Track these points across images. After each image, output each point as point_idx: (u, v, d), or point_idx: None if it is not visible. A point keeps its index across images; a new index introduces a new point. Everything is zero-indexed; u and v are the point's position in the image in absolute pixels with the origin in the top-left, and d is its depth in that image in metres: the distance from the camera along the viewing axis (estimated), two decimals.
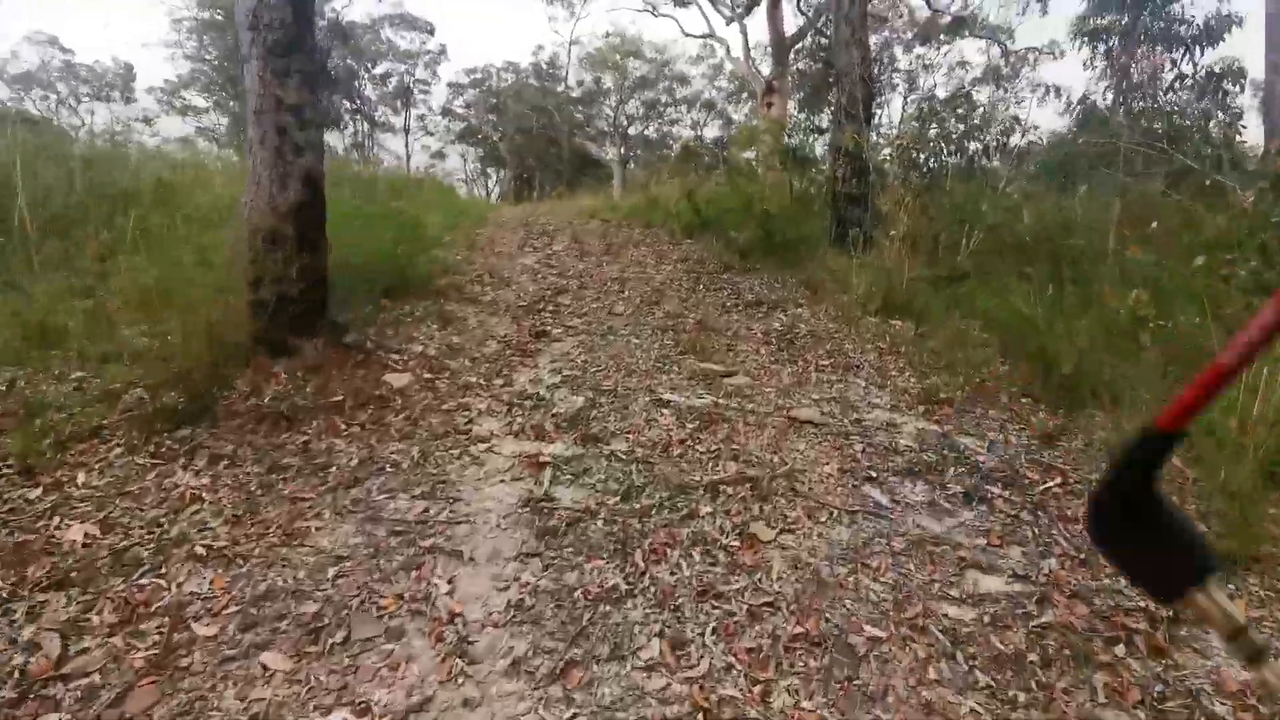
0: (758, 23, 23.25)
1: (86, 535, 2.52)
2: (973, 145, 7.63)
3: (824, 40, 20.77)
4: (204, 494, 2.81)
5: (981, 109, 10.02)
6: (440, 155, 52.94)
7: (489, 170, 54.16)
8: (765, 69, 21.54)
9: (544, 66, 40.99)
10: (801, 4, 18.92)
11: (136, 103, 40.33)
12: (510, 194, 49.93)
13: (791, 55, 21.02)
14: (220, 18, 27.83)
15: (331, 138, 49.51)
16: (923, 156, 7.73)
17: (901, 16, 26.92)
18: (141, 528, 2.57)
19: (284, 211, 4.24)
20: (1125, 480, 0.61)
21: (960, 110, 8.40)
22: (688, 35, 23.66)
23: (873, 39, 22.52)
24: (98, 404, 3.26)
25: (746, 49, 21.00)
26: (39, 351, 3.67)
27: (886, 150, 8.11)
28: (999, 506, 2.99)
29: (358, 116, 48.93)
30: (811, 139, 9.65)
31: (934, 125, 7.96)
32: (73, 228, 4.96)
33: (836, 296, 6.25)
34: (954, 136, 7.63)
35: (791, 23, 22.42)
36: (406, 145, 48.43)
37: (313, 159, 4.36)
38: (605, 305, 5.92)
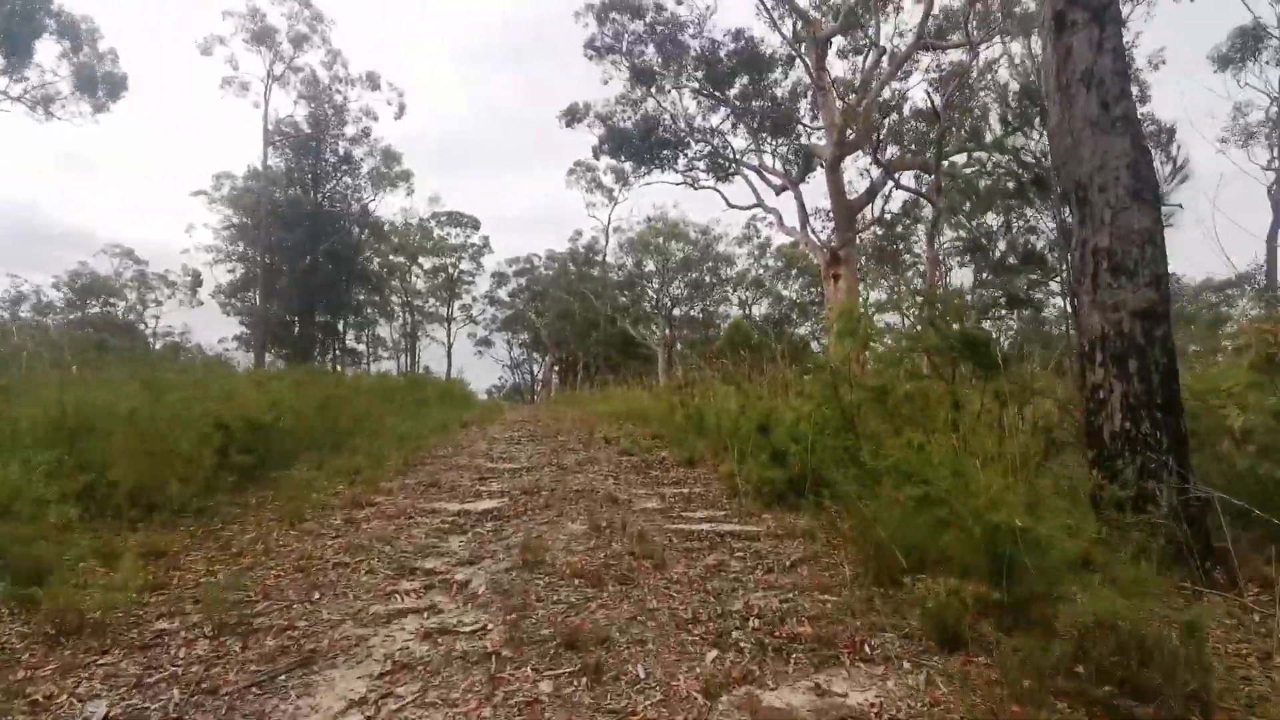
0: (813, 188, 19.56)
1: None
2: None
3: (903, 204, 16.77)
4: None
5: None
6: (486, 343, 50.72)
7: (534, 355, 51.48)
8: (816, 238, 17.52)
9: (582, 252, 38.77)
10: (878, 156, 14.88)
11: (203, 305, 39.25)
12: (549, 383, 46.49)
13: (859, 221, 17.06)
14: (249, 222, 26.10)
15: (382, 329, 47.91)
16: None
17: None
18: None
19: None
20: None
21: None
22: (733, 207, 20.00)
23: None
24: None
25: (804, 217, 17.09)
26: None
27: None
28: None
29: (406, 309, 47.61)
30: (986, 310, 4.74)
31: None
32: None
33: None
34: None
35: (852, 186, 18.68)
36: (448, 334, 46.27)
37: None
38: None
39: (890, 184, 15.35)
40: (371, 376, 17.36)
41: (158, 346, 34.29)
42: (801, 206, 17.33)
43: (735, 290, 37.21)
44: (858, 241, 17.13)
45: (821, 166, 17.35)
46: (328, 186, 27.26)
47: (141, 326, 42.68)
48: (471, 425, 10.24)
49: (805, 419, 5.33)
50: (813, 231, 17.32)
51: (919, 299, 5.04)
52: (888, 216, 17.19)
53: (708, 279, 36.67)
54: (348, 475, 5.87)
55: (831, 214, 16.91)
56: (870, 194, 16.10)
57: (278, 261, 25.64)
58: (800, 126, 17.84)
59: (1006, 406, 4.66)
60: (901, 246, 21.66)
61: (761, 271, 36.54)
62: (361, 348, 42.67)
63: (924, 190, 15.01)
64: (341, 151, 27.44)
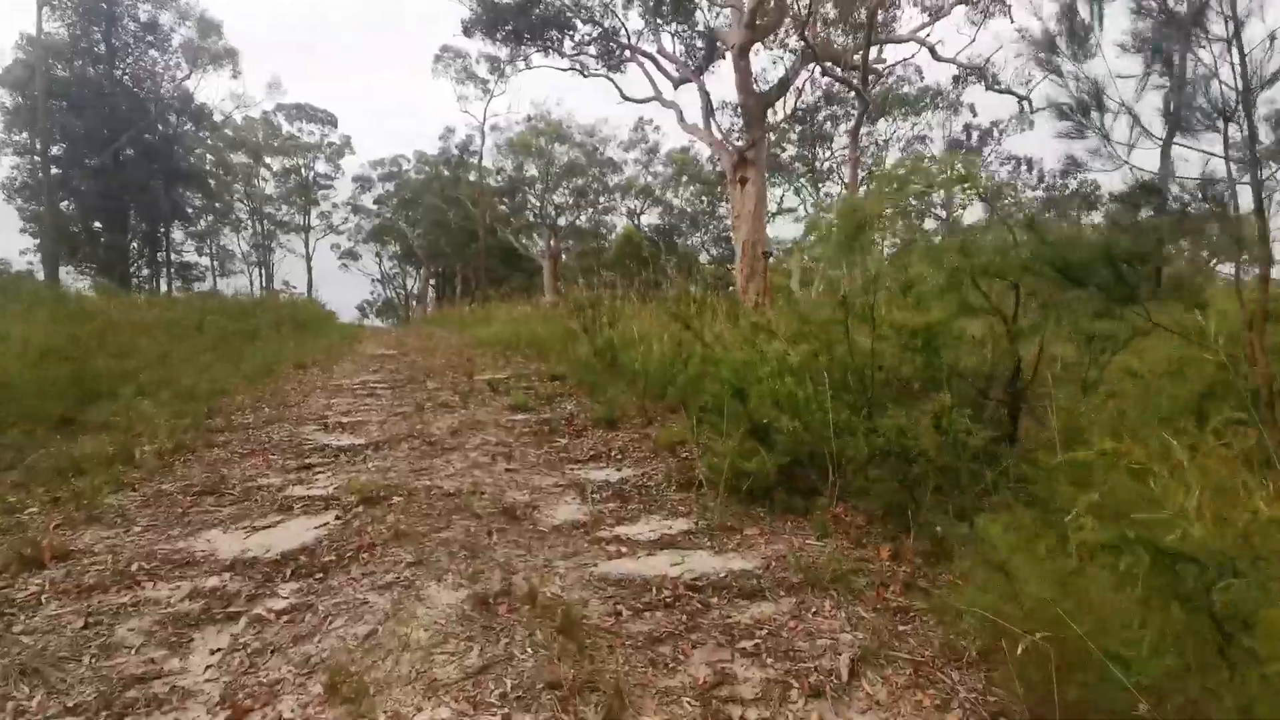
0: (717, 80, 17.31)
1: None
2: None
3: (816, 99, 14.93)
4: None
5: None
6: (352, 255, 45.65)
7: (407, 269, 47.04)
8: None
9: (456, 154, 34.60)
10: (805, 35, 12.61)
11: None
12: (425, 299, 42.82)
13: (769, 117, 15.13)
14: (23, 101, 20.32)
15: (229, 240, 41.65)
16: None
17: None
18: None
19: None
20: None
21: None
22: (627, 100, 17.41)
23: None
24: None
25: (709, 111, 14.88)
26: None
27: None
28: None
29: (254, 217, 41.45)
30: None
31: None
32: None
33: None
34: None
35: (765, 76, 16.64)
36: (307, 246, 41.04)
37: None
38: None
39: (811, 72, 13.44)
40: (176, 299, 14.04)
41: None
42: (705, 100, 15.10)
43: (623, 198, 34.72)
44: (769, 139, 15.29)
45: (727, 55, 15.15)
46: (128, 60, 21.72)
47: None
48: (313, 365, 7.75)
49: (795, 372, 3.53)
50: (718, 129, 15.26)
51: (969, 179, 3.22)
52: (800, 110, 15.43)
53: (594, 185, 33.85)
54: (58, 481, 3.51)
55: (739, 109, 14.92)
56: (783, 86, 14.15)
57: (69, 154, 20.40)
58: (702, 1, 15.35)
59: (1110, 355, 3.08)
60: (807, 150, 20.09)
61: (651, 179, 34.17)
62: (204, 261, 36.81)
63: (849, 78, 13.24)
64: (143, 17, 21.79)
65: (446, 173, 35.00)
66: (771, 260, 17.18)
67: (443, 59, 26.64)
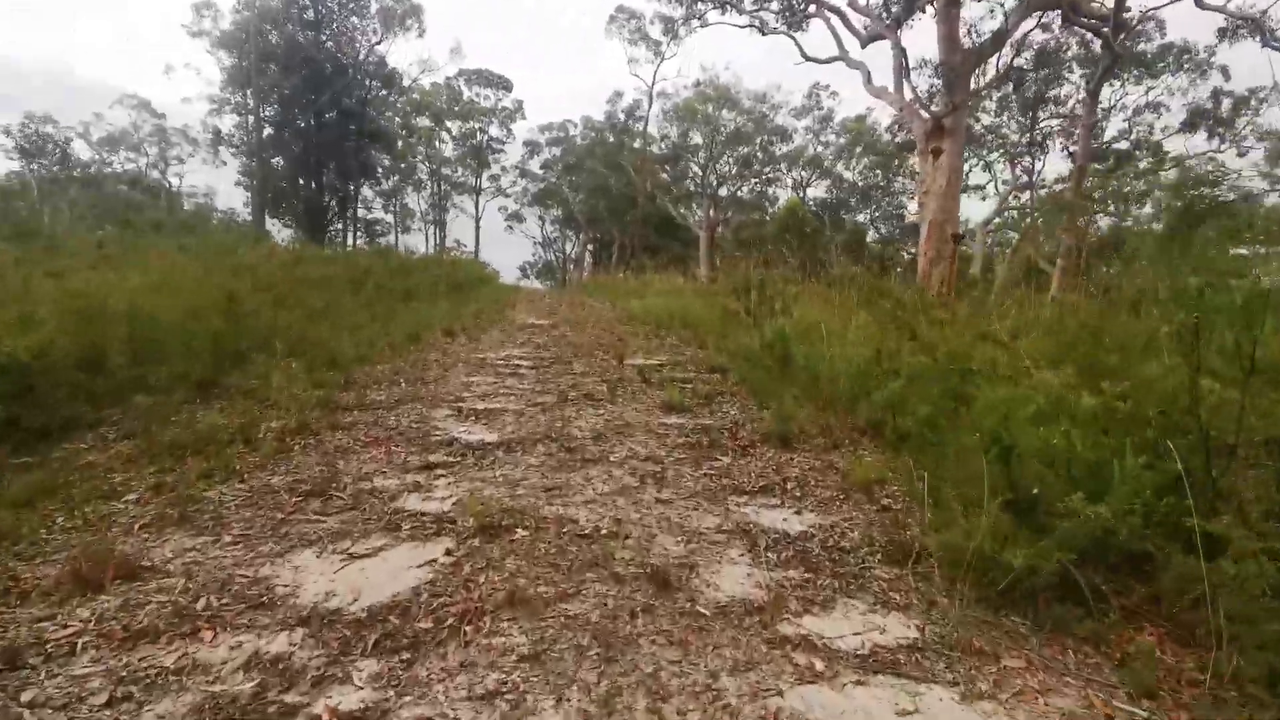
0: (912, 36, 15.22)
1: None
2: None
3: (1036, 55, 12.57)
4: None
5: None
6: (517, 217, 47.25)
7: (567, 233, 48.01)
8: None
9: (621, 119, 34.18)
10: None
11: (225, 165, 36.18)
12: (582, 264, 43.44)
13: (975, 78, 12.99)
14: (246, 64, 22.40)
15: (410, 199, 44.69)
16: None
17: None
18: None
19: None
20: None
21: None
22: (809, 60, 15.84)
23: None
24: None
25: (903, 71, 13.02)
26: None
27: None
28: None
29: (433, 178, 44.02)
30: None
31: None
32: None
33: None
34: None
35: (975, 31, 14.39)
36: (477, 207, 42.88)
37: None
38: None
39: (1038, 20, 11.19)
40: (344, 254, 14.62)
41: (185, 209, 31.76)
42: (901, 57, 13.22)
43: (789, 169, 32.72)
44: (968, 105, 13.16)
45: (929, 7, 13.17)
46: (332, 26, 23.21)
47: (166, 185, 40.07)
48: (461, 333, 7.42)
49: (1086, 423, 2.37)
50: (911, 91, 13.36)
51: None
52: (1013, 71, 13.03)
53: (759, 155, 32.14)
54: (171, 460, 3.16)
55: (939, 69, 12.94)
56: (998, 40, 11.99)
57: (279, 114, 22.24)
58: None
59: None
60: (1014, 119, 17.31)
61: (821, 149, 31.86)
62: (389, 217, 39.66)
63: (1099, 25, 10.82)
64: None
65: (611, 138, 34.82)
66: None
67: (617, 19, 26.16)
